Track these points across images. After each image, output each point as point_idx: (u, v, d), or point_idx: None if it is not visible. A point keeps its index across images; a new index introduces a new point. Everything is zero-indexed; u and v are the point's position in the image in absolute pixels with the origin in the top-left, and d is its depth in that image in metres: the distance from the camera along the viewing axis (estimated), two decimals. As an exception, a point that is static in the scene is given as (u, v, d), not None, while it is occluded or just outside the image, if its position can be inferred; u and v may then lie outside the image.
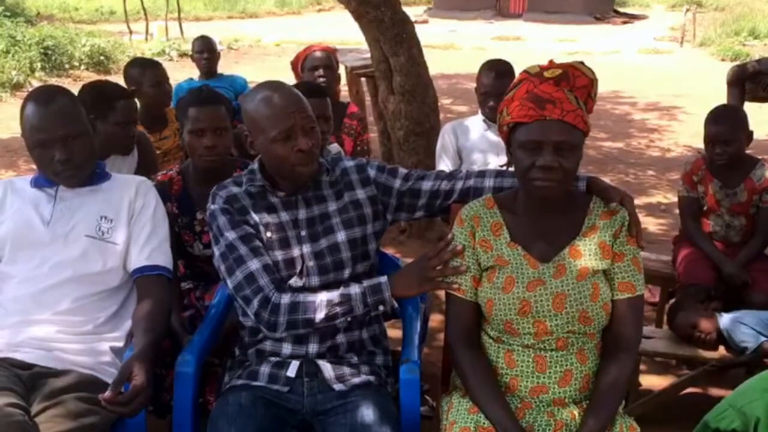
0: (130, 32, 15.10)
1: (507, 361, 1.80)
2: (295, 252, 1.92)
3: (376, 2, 4.19)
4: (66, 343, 1.95)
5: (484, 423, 1.71)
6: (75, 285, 2.01)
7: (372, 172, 2.02)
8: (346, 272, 1.94)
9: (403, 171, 2.05)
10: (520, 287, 1.77)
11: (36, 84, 10.44)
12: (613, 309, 1.79)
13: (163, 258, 2.12)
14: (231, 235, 1.91)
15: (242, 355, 2.00)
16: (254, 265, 1.85)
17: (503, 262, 1.81)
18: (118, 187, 2.14)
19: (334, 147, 3.08)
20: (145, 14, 15.69)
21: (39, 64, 10.95)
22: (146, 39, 14.92)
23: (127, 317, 2.08)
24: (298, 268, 1.92)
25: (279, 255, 1.92)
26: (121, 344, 2.03)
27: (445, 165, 3.32)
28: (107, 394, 1.71)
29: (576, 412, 1.75)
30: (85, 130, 2.05)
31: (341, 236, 1.94)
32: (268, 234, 1.94)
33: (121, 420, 1.89)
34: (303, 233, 1.94)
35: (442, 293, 3.56)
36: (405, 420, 1.84)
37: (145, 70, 3.56)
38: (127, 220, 2.10)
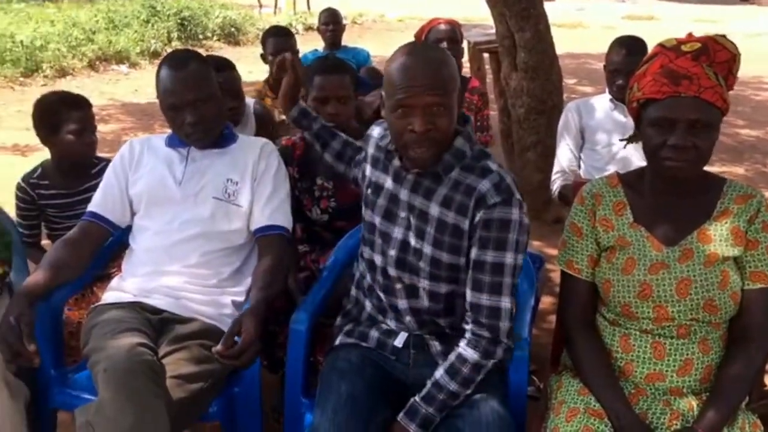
0: (260, 6, 15.58)
1: (623, 345, 1.74)
2: (393, 231, 1.85)
3: (503, -24, 4.11)
4: (192, 293, 2.07)
5: (594, 405, 1.66)
6: (203, 241, 2.11)
7: (481, 215, 1.73)
8: (421, 284, 1.83)
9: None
10: (642, 270, 1.70)
11: (172, 53, 11.04)
12: (743, 299, 1.68)
13: (283, 218, 2.18)
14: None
15: (353, 317, 2.04)
16: None
17: (624, 242, 1.74)
18: (244, 150, 2.21)
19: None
20: (275, -12, 16.16)
21: (176, 34, 11.55)
22: (275, 12, 15.37)
23: (249, 273, 2.16)
24: (390, 250, 1.86)
25: (377, 220, 1.89)
26: (241, 299, 2.13)
27: (566, 144, 3.22)
28: (219, 347, 1.78)
29: (694, 403, 1.67)
30: (214, 94, 2.13)
31: (427, 249, 1.80)
32: (369, 191, 1.94)
33: (238, 371, 1.98)
34: (402, 214, 1.85)
35: (555, 275, 3.50)
36: (513, 398, 1.82)
37: (278, 39, 3.70)
38: (251, 182, 2.16)
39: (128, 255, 2.21)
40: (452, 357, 1.75)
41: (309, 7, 15.70)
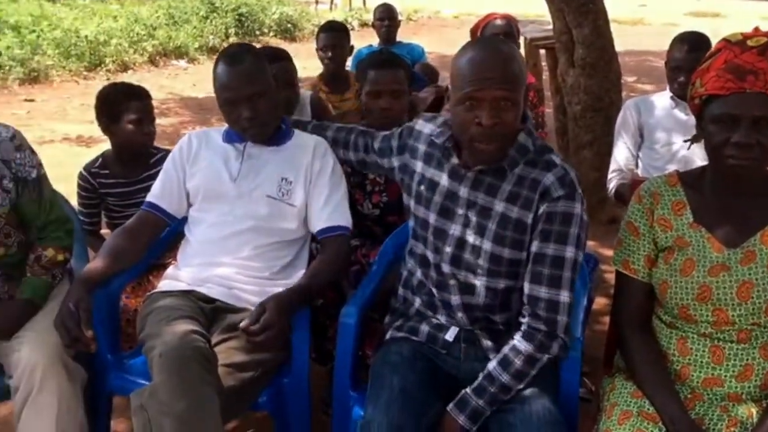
0: (317, 2, 15.70)
1: (679, 349, 1.69)
2: (450, 228, 1.84)
3: (563, -29, 4.04)
4: (244, 284, 2.10)
5: (648, 409, 1.62)
6: (255, 235, 2.13)
7: (545, 208, 1.73)
8: (478, 281, 1.82)
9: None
10: (701, 271, 1.65)
11: (230, 49, 11.22)
12: (810, 305, 1.62)
13: (342, 218, 2.18)
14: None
15: (401, 314, 2.03)
16: None
17: (683, 243, 1.69)
18: (298, 149, 2.21)
19: None
20: (331, -16, 16.27)
21: (233, 30, 11.73)
22: (330, 9, 15.47)
23: (300, 267, 2.19)
24: (446, 247, 1.85)
25: (432, 217, 1.88)
26: None
27: (623, 142, 3.15)
28: (244, 323, 1.85)
29: (754, 410, 1.62)
30: (269, 88, 2.13)
31: (487, 245, 1.79)
32: (421, 187, 1.92)
33: (288, 362, 2.01)
34: (459, 211, 1.84)
35: (609, 275, 3.43)
36: (564, 397, 1.79)
37: (331, 34, 3.72)
38: (305, 183, 2.16)
39: (183, 245, 2.25)
40: (506, 349, 1.75)
41: (365, 3, 15.77)
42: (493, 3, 16.27)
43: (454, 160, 1.84)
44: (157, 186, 2.24)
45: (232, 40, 11.46)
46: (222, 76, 2.10)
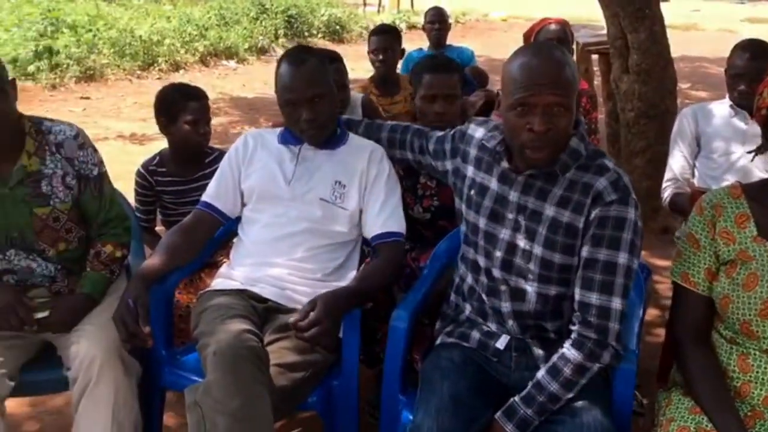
0: (365, 4, 15.76)
1: (740, 365, 1.65)
2: (500, 233, 1.83)
3: (619, -25, 3.98)
4: (297, 285, 2.12)
5: (706, 425, 1.58)
6: (308, 237, 2.15)
7: (597, 212, 1.71)
8: (529, 287, 1.81)
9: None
10: (765, 286, 1.60)
11: (279, 50, 11.34)
12: None
13: (397, 224, 2.18)
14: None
15: (451, 319, 2.03)
16: None
17: (747, 257, 1.65)
18: (353, 154, 2.21)
19: None
20: (380, -14, 16.34)
21: (282, 31, 11.85)
22: (378, 11, 15.52)
23: (352, 269, 2.20)
24: (496, 251, 1.84)
25: (482, 222, 1.87)
26: None
27: (679, 151, 3.09)
28: (292, 318, 1.87)
29: (818, 431, 1.57)
30: (330, 91, 2.14)
31: (538, 250, 1.77)
32: (472, 191, 1.91)
33: (338, 364, 2.03)
34: (509, 216, 1.82)
35: (662, 286, 3.37)
36: (617, 410, 1.76)
37: (382, 36, 3.74)
38: (359, 188, 2.17)
39: (237, 245, 2.28)
40: (555, 357, 1.73)
41: (413, 6, 15.77)
42: (543, 6, 16.17)
43: (505, 164, 1.82)
44: (212, 186, 2.27)
45: (281, 41, 11.61)
46: (285, 77, 2.12)
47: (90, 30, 9.22)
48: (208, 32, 10.65)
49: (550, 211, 1.76)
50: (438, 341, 1.98)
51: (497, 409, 1.74)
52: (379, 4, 15.89)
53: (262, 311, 2.05)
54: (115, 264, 2.18)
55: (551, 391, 1.69)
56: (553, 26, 3.47)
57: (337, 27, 12.92)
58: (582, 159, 1.76)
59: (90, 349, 1.94)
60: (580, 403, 1.70)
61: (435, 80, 2.47)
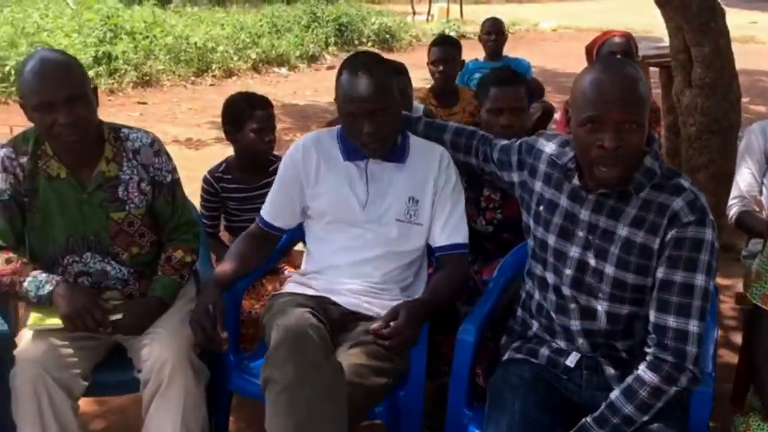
0: (413, 12, 15.79)
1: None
2: (570, 250, 1.81)
3: (684, -12, 3.91)
4: (374, 299, 2.11)
5: (788, 453, 1.55)
6: (385, 261, 2.12)
7: (673, 233, 1.69)
8: (599, 306, 1.79)
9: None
10: None
11: (329, 58, 11.43)
12: None
13: (461, 235, 2.14)
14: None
15: (518, 335, 2.01)
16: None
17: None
18: (422, 164, 2.13)
19: None
20: (430, -5, 16.36)
21: (333, 39, 11.94)
22: (427, 20, 15.52)
23: (422, 279, 2.20)
24: (566, 269, 1.83)
25: (551, 239, 1.85)
26: None
27: (747, 167, 3.01)
28: (375, 325, 1.89)
29: None
30: (396, 104, 2.05)
31: (610, 270, 1.75)
32: (540, 207, 1.89)
33: (405, 375, 2.03)
34: (580, 233, 1.80)
35: (724, 306, 3.29)
36: (692, 433, 1.73)
37: (442, 48, 3.75)
38: (431, 199, 2.12)
39: (308, 258, 2.27)
40: (630, 379, 1.70)
41: (461, 15, 15.76)
42: (590, 17, 16.03)
43: (575, 182, 1.80)
44: (271, 203, 2.21)
45: (332, 49, 11.71)
46: (349, 86, 2.00)
47: (147, 37, 9.43)
48: (260, 40, 10.79)
49: (623, 230, 1.74)
50: (506, 357, 1.97)
51: (567, 427, 1.72)
52: (428, 13, 15.91)
53: (338, 315, 2.05)
54: (185, 269, 2.22)
55: (626, 414, 1.66)
56: (617, 39, 3.44)
57: (387, 36, 12.96)
58: (656, 178, 1.73)
59: (162, 352, 1.98)
60: (655, 426, 1.67)
61: (501, 93, 2.46)
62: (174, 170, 2.22)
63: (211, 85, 9.25)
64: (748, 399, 1.80)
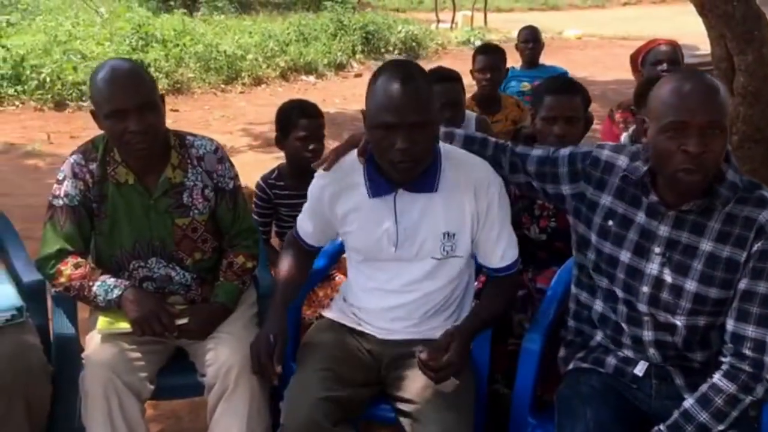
0: (438, 21, 15.83)
1: None
2: (646, 268, 1.78)
3: (729, -4, 3.90)
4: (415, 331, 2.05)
5: None
6: (423, 302, 2.02)
7: (760, 246, 1.68)
8: (678, 321, 1.77)
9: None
10: None
11: (356, 66, 11.48)
12: None
13: (513, 252, 2.03)
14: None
15: (579, 345, 2.00)
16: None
17: None
18: (456, 191, 1.93)
19: None
20: (453, 4, 16.37)
21: (359, 47, 11.99)
22: (451, 28, 15.55)
23: (469, 297, 2.13)
24: (643, 286, 1.80)
25: (625, 255, 1.82)
26: None
27: (794, 177, 3.01)
28: (425, 354, 1.80)
29: None
30: (435, 119, 1.87)
31: (691, 285, 1.74)
32: (609, 222, 1.84)
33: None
34: (657, 250, 1.77)
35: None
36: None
37: (487, 56, 3.77)
38: (471, 228, 1.97)
39: (348, 283, 2.19)
40: (704, 387, 1.70)
41: (486, 23, 15.77)
42: (615, 25, 15.94)
43: (653, 197, 1.77)
44: (307, 223, 2.13)
45: (359, 57, 11.75)
46: (384, 95, 1.79)
47: (177, 45, 9.53)
48: (288, 48, 10.86)
49: (707, 245, 1.73)
50: (571, 366, 1.96)
51: None
52: (453, 21, 15.94)
53: (380, 346, 2.03)
54: (246, 275, 2.24)
55: (700, 422, 1.66)
56: (663, 47, 3.43)
57: (413, 43, 13.00)
58: (739, 191, 1.72)
59: (228, 357, 2.00)
60: None
61: (556, 102, 2.46)
62: (236, 177, 2.25)
63: (240, 92, 9.31)
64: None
